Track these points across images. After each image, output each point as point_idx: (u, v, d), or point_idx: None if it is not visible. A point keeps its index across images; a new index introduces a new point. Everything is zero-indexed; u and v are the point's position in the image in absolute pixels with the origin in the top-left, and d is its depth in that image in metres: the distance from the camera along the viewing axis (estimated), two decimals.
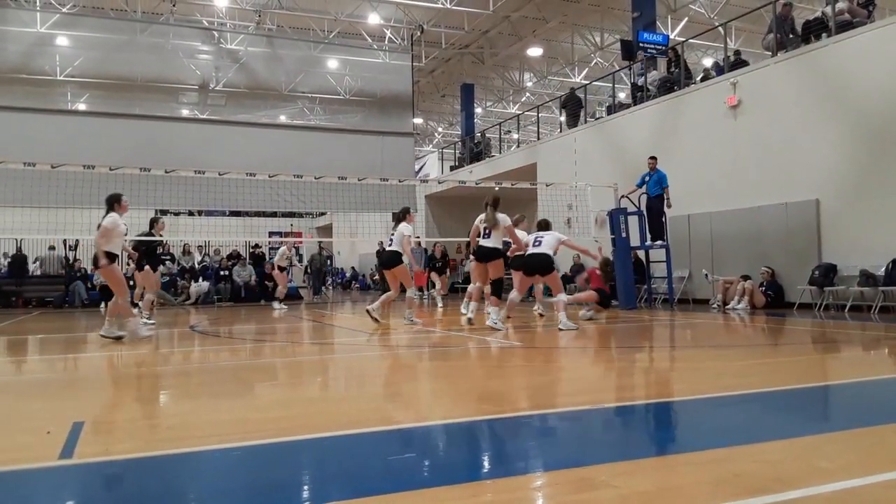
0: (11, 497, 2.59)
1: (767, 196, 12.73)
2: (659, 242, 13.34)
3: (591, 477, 2.65)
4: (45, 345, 8.64)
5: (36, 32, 19.47)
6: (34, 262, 19.74)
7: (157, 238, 10.96)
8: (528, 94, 31.30)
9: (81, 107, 20.65)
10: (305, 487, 2.67)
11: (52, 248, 19.75)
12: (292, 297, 18.35)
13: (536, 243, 9.30)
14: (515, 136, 27.78)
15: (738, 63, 14.40)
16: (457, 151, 28.89)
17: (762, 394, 4.37)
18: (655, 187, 13.10)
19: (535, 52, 25.32)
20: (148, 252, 10.61)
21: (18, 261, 18.45)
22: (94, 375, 6.01)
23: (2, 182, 12.97)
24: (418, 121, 32.11)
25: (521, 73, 28.86)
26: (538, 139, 23.37)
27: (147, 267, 10.42)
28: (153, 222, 10.61)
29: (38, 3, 20.10)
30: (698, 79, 15.85)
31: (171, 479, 2.80)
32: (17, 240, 18.21)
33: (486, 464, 3.01)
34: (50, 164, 10.86)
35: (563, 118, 20.73)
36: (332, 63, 23.15)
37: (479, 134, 27.06)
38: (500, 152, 25.61)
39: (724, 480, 2.54)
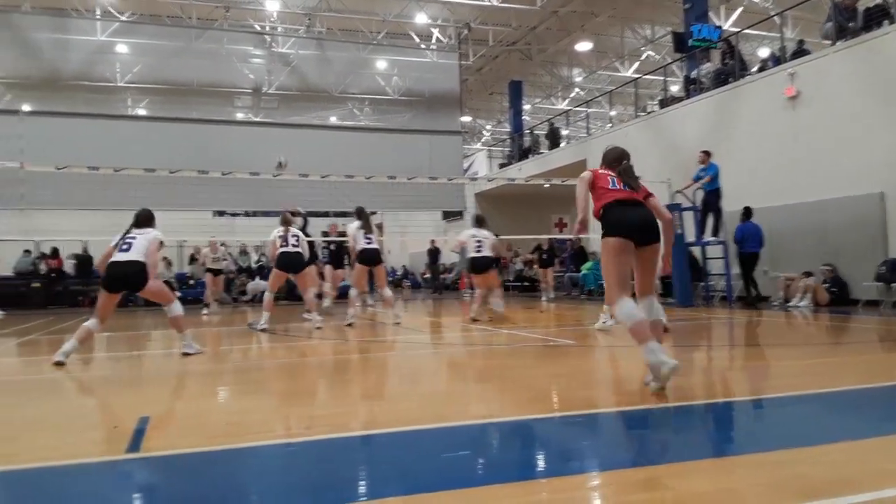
0: (82, 489, 2.72)
1: (829, 189, 12.31)
2: (715, 238, 13.06)
3: (647, 477, 2.63)
4: (110, 343, 8.97)
5: (97, 41, 20.21)
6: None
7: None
8: (577, 90, 30.97)
9: (141, 112, 21.34)
10: (361, 483, 2.72)
11: None
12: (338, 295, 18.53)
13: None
14: (565, 132, 27.53)
15: (797, 53, 13.95)
16: (505, 149, 28.78)
17: (825, 394, 4.25)
18: (710, 181, 12.85)
19: (583, 46, 24.99)
20: None
21: (84, 261, 19.18)
22: (157, 372, 6.22)
23: (68, 186, 13.52)
24: (466, 119, 32.11)
25: (570, 69, 28.58)
26: (588, 135, 23.10)
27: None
28: None
29: (97, 12, 20.85)
30: (754, 70, 15.42)
31: (232, 472, 2.89)
32: (83, 241, 18.93)
33: (540, 462, 3.01)
34: (112, 168, 11.28)
35: (612, 111, 20.34)
36: (381, 64, 23.35)
37: (528, 131, 26.90)
38: (550, 149, 25.41)
39: (784, 483, 2.48)
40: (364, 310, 11.98)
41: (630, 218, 4.27)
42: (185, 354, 6.53)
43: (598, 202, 4.39)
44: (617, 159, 4.56)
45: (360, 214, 10.01)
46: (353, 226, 10.01)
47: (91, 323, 6.22)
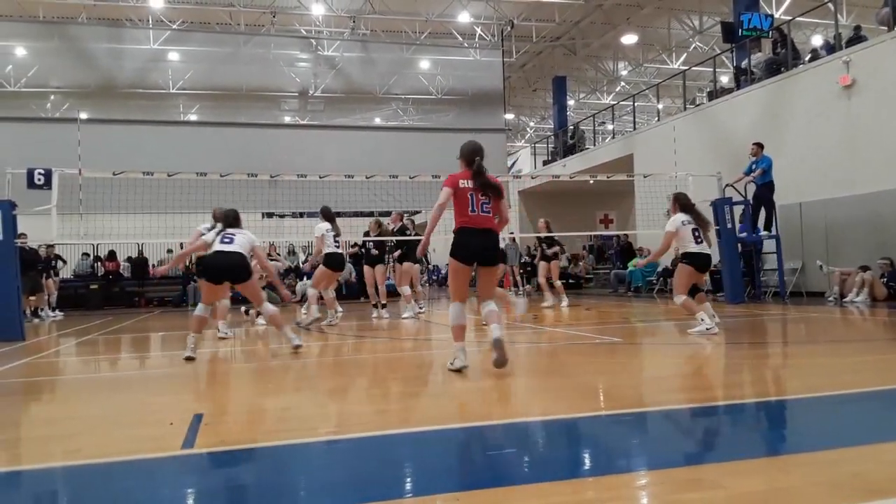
0: (141, 483, 2.82)
1: (886, 181, 11.87)
2: (767, 233, 12.73)
3: (699, 476, 2.59)
4: (165, 342, 9.24)
5: (150, 49, 20.82)
6: (154, 264, 21.13)
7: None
8: (622, 84, 30.54)
9: (192, 118, 21.90)
10: (408, 480, 2.74)
11: (170, 251, 21.05)
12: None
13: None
14: (610, 126, 27.20)
15: (853, 39, 13.48)
16: (549, 145, 28.58)
17: (883, 391, 4.11)
18: (762, 174, 12.52)
19: (629, 39, 24.61)
20: None
21: (140, 263, 19.79)
22: (210, 370, 6.38)
23: (124, 191, 13.93)
24: (510, 116, 31.99)
25: (615, 63, 28.18)
26: (634, 129, 22.76)
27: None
28: None
29: (150, 22, 21.47)
30: (807, 58, 14.97)
31: (282, 468, 2.95)
32: (138, 244, 19.53)
33: (588, 461, 2.99)
34: (166, 173, 11.60)
35: (659, 105, 19.95)
36: (424, 63, 23.46)
37: (571, 127, 26.61)
38: (595, 144, 25.12)
39: (841, 482, 2.42)
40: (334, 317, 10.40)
41: (474, 246, 5.06)
42: (296, 348, 6.67)
43: (456, 218, 5.08)
44: (471, 153, 5.03)
45: (327, 215, 9.79)
46: (321, 227, 9.67)
47: (199, 308, 6.59)
